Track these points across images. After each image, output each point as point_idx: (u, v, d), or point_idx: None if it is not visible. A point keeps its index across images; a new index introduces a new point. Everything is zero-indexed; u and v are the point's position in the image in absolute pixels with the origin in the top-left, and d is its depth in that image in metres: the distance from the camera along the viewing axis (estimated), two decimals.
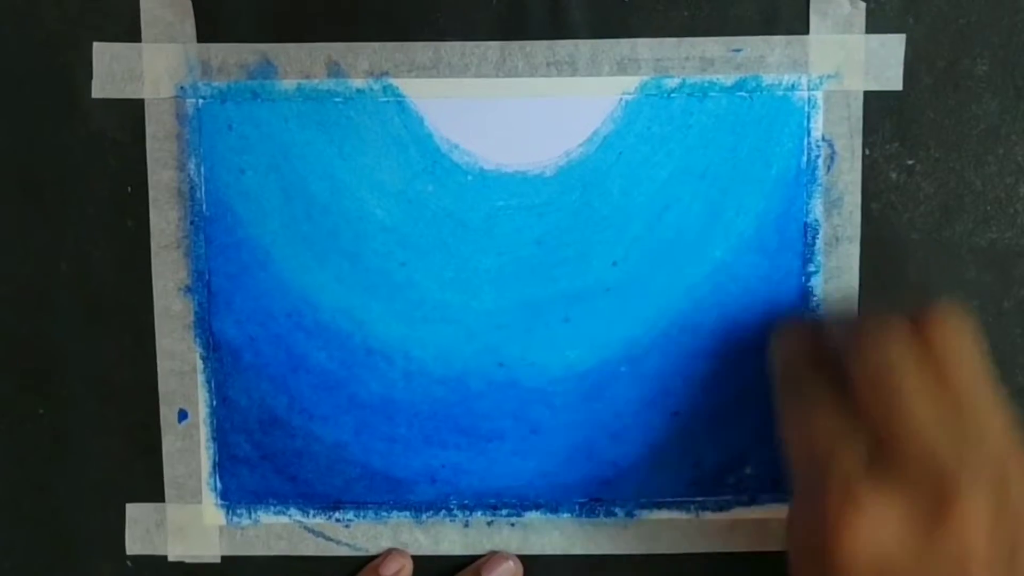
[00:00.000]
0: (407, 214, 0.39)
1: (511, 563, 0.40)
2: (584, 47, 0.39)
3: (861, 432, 0.32)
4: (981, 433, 0.32)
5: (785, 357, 0.37)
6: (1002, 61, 0.39)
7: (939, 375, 0.33)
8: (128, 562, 0.41)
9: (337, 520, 0.41)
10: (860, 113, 0.39)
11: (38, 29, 0.39)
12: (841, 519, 0.31)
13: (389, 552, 0.41)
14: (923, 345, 0.33)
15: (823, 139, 0.39)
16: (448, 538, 0.41)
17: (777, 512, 0.41)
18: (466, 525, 0.41)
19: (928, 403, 0.32)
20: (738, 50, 0.39)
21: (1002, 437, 0.32)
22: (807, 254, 0.40)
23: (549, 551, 0.41)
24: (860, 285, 0.40)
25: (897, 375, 0.32)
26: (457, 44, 0.39)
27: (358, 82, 0.39)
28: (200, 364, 0.40)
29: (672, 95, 0.39)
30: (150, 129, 0.39)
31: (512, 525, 0.41)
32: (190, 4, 0.39)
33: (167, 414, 0.40)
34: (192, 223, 0.39)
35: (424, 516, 0.41)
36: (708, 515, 0.41)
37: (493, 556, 0.41)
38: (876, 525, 0.31)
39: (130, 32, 0.39)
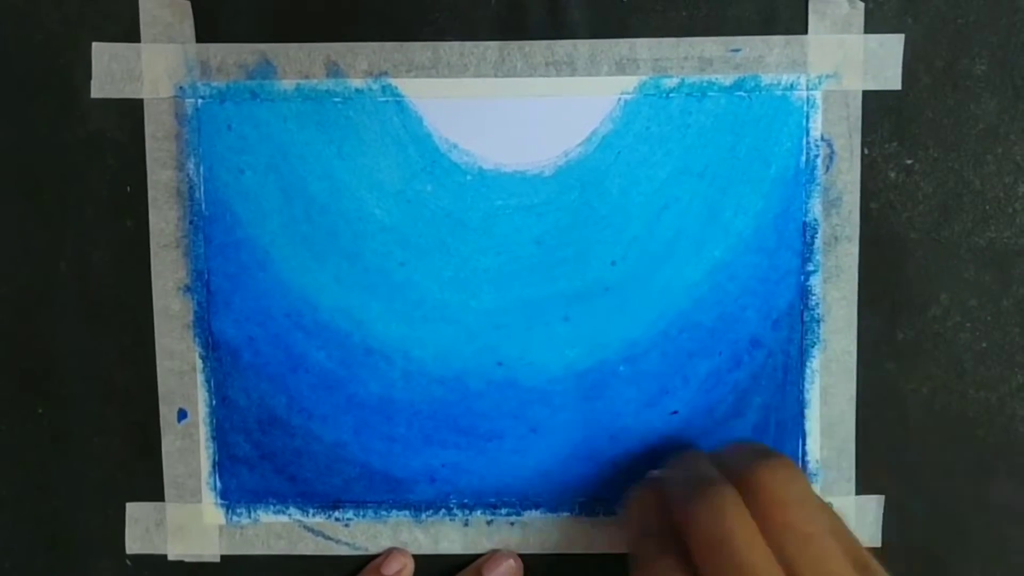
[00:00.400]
0: (406, 214, 0.39)
1: (512, 562, 0.40)
2: (583, 47, 0.39)
3: None
4: None
5: (635, 524, 0.37)
6: (1001, 61, 0.39)
7: (773, 537, 0.32)
8: (128, 561, 0.41)
9: (337, 519, 0.41)
10: (859, 113, 0.39)
11: (38, 29, 0.39)
12: None
13: (390, 551, 0.41)
14: (754, 504, 0.33)
15: (822, 139, 0.39)
16: (448, 537, 0.41)
17: None
18: (466, 524, 0.41)
19: (765, 566, 0.32)
20: (737, 50, 0.39)
21: None
22: (806, 253, 0.40)
23: (549, 550, 0.41)
24: (859, 284, 0.40)
25: (729, 545, 0.32)
26: (456, 44, 0.39)
27: (357, 82, 0.39)
28: (199, 364, 0.40)
29: (671, 95, 0.39)
30: (149, 129, 0.39)
31: (512, 524, 0.41)
32: (189, 4, 0.39)
33: (167, 414, 0.40)
34: (191, 223, 0.40)
35: (424, 515, 0.41)
36: None
37: (494, 555, 0.41)
38: None
39: (129, 32, 0.39)
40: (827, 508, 0.35)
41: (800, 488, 0.33)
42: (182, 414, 0.40)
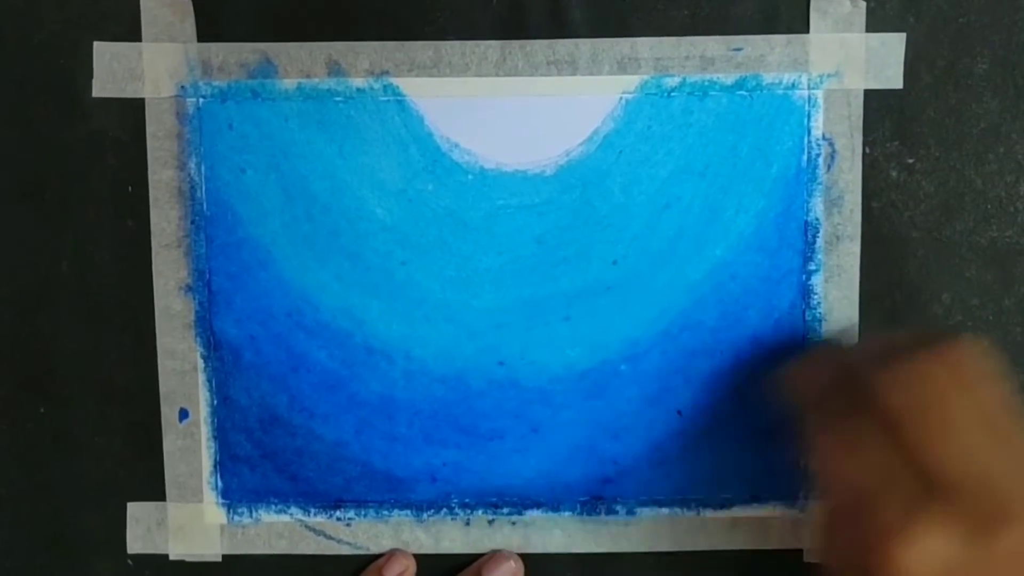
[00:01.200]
0: (407, 213, 0.39)
1: (512, 563, 0.40)
2: (584, 46, 0.39)
3: (910, 465, 0.32)
4: None
5: (812, 390, 0.37)
6: (1002, 60, 0.39)
7: (978, 403, 0.33)
8: (129, 561, 0.41)
9: (338, 519, 0.41)
10: (860, 112, 0.39)
11: (39, 29, 0.39)
12: (901, 550, 0.31)
13: (392, 553, 0.41)
14: (959, 375, 0.33)
15: (823, 138, 0.39)
16: (449, 536, 0.41)
17: (778, 511, 0.41)
18: (467, 524, 0.41)
19: (975, 432, 0.32)
20: (738, 49, 0.39)
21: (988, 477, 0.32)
22: (807, 252, 0.40)
23: (550, 549, 0.41)
24: (860, 283, 0.40)
25: (943, 406, 0.32)
26: (457, 43, 0.39)
27: (358, 81, 0.39)
28: (201, 363, 0.40)
29: (672, 94, 0.39)
30: (150, 128, 0.39)
31: (513, 524, 0.41)
32: (190, 4, 0.39)
33: (168, 413, 0.40)
34: (193, 222, 0.39)
35: (425, 515, 0.41)
36: (709, 513, 0.41)
37: (494, 556, 0.41)
38: (936, 557, 0.31)
39: (130, 32, 0.39)
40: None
41: (998, 366, 0.34)
42: (183, 414, 0.40)
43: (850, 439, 0.34)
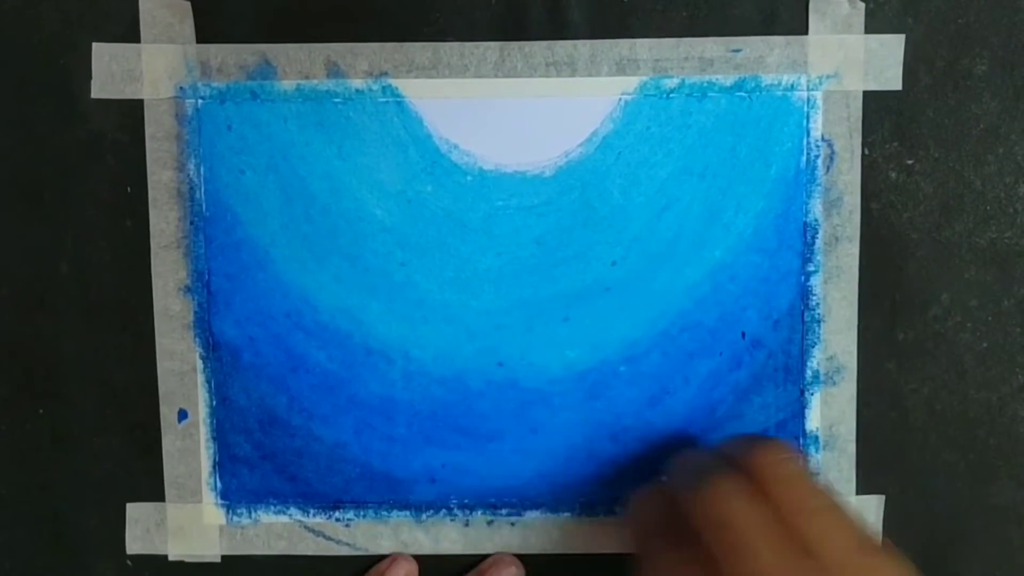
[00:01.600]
0: (406, 214, 0.39)
1: (514, 568, 0.40)
2: (583, 47, 0.39)
3: None
4: (830, 565, 0.32)
5: (640, 522, 0.37)
6: (1001, 61, 0.39)
7: (778, 514, 0.33)
8: (128, 561, 0.41)
9: (337, 520, 0.41)
10: (859, 113, 0.39)
11: (38, 30, 0.39)
12: None
13: (395, 558, 0.41)
14: (757, 488, 0.33)
15: (822, 139, 0.39)
16: (448, 537, 0.41)
17: None
18: (466, 524, 0.41)
19: (772, 549, 0.32)
20: (737, 50, 0.39)
21: (854, 557, 0.32)
22: (807, 254, 0.40)
23: (549, 550, 0.41)
24: (860, 284, 0.40)
25: (735, 526, 0.32)
26: (456, 44, 0.39)
27: (357, 82, 0.39)
28: (200, 364, 0.40)
29: (671, 95, 0.39)
30: (149, 129, 0.39)
31: (512, 524, 0.41)
32: (189, 5, 0.39)
33: (167, 414, 0.40)
34: (192, 223, 0.40)
35: (424, 516, 0.41)
36: None
37: (496, 560, 0.41)
38: None
39: (129, 33, 0.39)
40: (826, 487, 0.35)
41: (798, 466, 0.34)
42: (182, 414, 0.40)
43: (663, 569, 0.34)
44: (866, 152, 0.39)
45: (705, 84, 0.39)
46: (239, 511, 0.41)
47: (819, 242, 0.40)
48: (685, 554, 0.33)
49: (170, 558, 0.41)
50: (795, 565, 0.32)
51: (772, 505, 0.33)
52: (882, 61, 0.39)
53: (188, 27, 0.39)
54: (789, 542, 0.32)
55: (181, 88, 0.39)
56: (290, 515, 0.41)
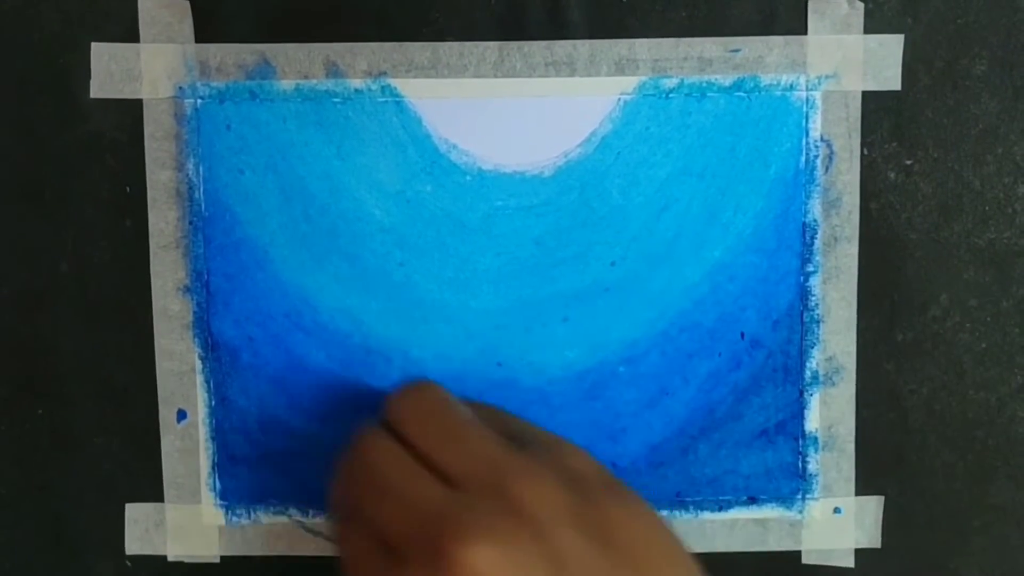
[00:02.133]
0: (405, 214, 0.39)
1: None
2: (582, 47, 0.39)
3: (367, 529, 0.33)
4: (471, 490, 0.32)
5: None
6: (1000, 61, 0.39)
7: (415, 452, 0.33)
8: (127, 562, 0.41)
9: None
10: (858, 113, 0.39)
11: (38, 29, 0.39)
12: None
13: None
14: (400, 432, 0.34)
15: (821, 139, 0.39)
16: None
17: (776, 513, 0.41)
18: None
19: (411, 482, 0.32)
20: (736, 50, 0.39)
21: (490, 466, 0.33)
22: (806, 254, 0.40)
23: None
24: (859, 284, 0.40)
25: (374, 471, 0.33)
26: (455, 44, 0.39)
27: (356, 82, 0.39)
28: (199, 364, 0.40)
29: (670, 95, 0.39)
30: (148, 129, 0.39)
31: None
32: (188, 4, 0.39)
33: (166, 414, 0.40)
34: (191, 223, 0.40)
35: None
36: (707, 515, 0.41)
37: None
38: None
39: (128, 32, 0.39)
40: (468, 405, 0.36)
41: (431, 397, 0.35)
42: (181, 415, 0.40)
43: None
44: (865, 152, 0.39)
45: (704, 84, 0.39)
46: (238, 511, 0.41)
47: (818, 242, 0.40)
48: (365, 530, 0.33)
49: (169, 558, 0.41)
50: (435, 494, 0.32)
51: (412, 444, 0.33)
52: (881, 61, 0.39)
53: (187, 27, 0.39)
54: (426, 474, 0.32)
55: (180, 88, 0.39)
56: (290, 515, 0.41)
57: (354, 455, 0.34)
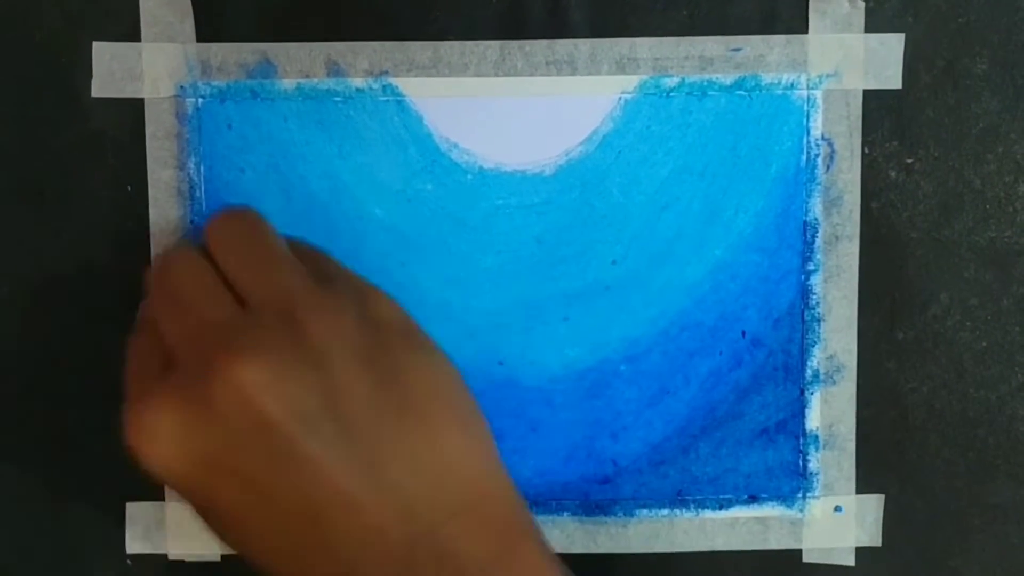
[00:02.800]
0: (406, 213, 0.39)
1: None
2: (583, 46, 0.39)
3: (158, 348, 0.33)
4: (260, 314, 0.32)
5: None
6: (1001, 60, 0.39)
7: (228, 271, 0.33)
8: (128, 561, 0.41)
9: None
10: (859, 112, 0.39)
11: (38, 29, 0.39)
12: (138, 427, 0.32)
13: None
14: (214, 257, 0.34)
15: (822, 138, 0.39)
16: None
17: (777, 511, 0.41)
18: None
19: (210, 301, 0.32)
20: (737, 49, 0.39)
21: (286, 294, 0.32)
22: (807, 253, 0.40)
23: None
24: (859, 283, 0.40)
25: (177, 285, 0.33)
26: (456, 43, 0.39)
27: (358, 81, 0.39)
28: None
29: (671, 94, 0.39)
30: (150, 128, 0.39)
31: None
32: (189, 4, 0.39)
33: None
34: (192, 222, 0.39)
35: None
36: (708, 514, 0.41)
37: None
38: (164, 427, 0.32)
39: (130, 32, 0.39)
40: (288, 241, 0.35)
41: (247, 223, 0.35)
42: None
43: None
44: (866, 151, 0.39)
45: (705, 83, 0.39)
46: None
47: (819, 241, 0.40)
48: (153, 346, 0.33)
49: (170, 557, 0.41)
50: (225, 312, 0.32)
51: (218, 266, 0.33)
52: (882, 60, 0.39)
53: (188, 26, 0.39)
54: (224, 295, 0.32)
55: (181, 87, 0.39)
56: None
57: (162, 269, 0.34)
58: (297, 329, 0.31)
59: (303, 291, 0.33)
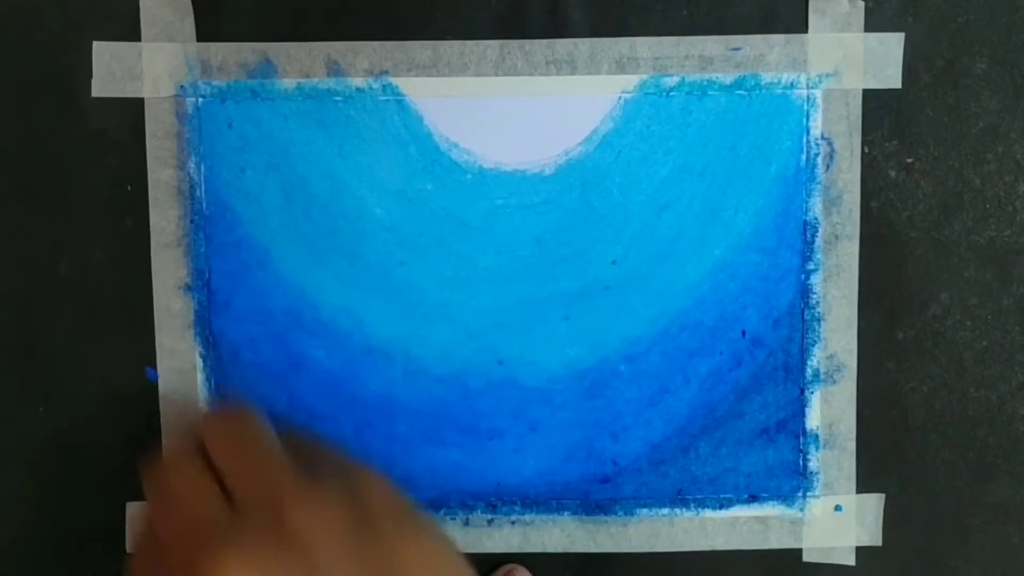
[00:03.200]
0: (406, 213, 0.39)
1: None
2: (583, 46, 0.39)
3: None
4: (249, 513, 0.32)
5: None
6: (1001, 59, 0.39)
7: (217, 473, 0.33)
8: (128, 562, 0.41)
9: None
10: (859, 111, 0.39)
11: (38, 29, 0.39)
12: None
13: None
14: (202, 453, 0.34)
15: (822, 137, 0.39)
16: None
17: (777, 511, 0.41)
18: (466, 523, 0.41)
19: (201, 501, 0.32)
20: (737, 49, 0.39)
21: (272, 491, 0.32)
22: (806, 252, 0.40)
23: (549, 549, 0.41)
24: (859, 283, 0.40)
25: (170, 487, 0.33)
26: (456, 43, 0.39)
27: (358, 81, 0.39)
28: (200, 363, 0.40)
29: (671, 94, 0.39)
30: (150, 128, 0.39)
31: (512, 523, 0.41)
32: (190, 3, 0.39)
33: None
34: (192, 222, 0.40)
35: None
36: (708, 513, 0.41)
37: (509, 572, 0.41)
38: None
39: (130, 31, 0.39)
40: (285, 436, 0.35)
41: (240, 422, 0.34)
42: None
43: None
44: (866, 150, 0.39)
45: (705, 82, 0.39)
46: None
47: (819, 240, 0.40)
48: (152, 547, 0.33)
49: None
50: (214, 512, 0.32)
51: (212, 464, 0.33)
52: (882, 59, 0.39)
53: (188, 26, 0.39)
54: (216, 495, 0.32)
55: (182, 87, 0.39)
56: None
57: (159, 471, 0.34)
58: (284, 526, 0.31)
59: (289, 485, 0.32)
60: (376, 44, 0.39)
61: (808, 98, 0.39)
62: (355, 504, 0.33)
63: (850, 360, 0.40)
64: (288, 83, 0.39)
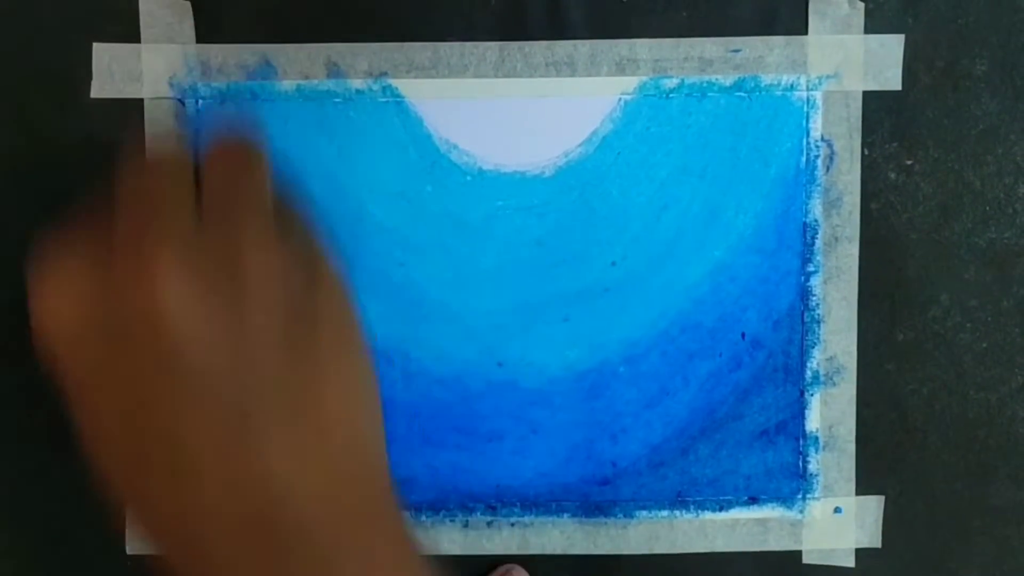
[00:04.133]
0: (406, 214, 0.39)
1: None
2: (583, 47, 0.39)
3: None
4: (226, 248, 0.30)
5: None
6: (1001, 61, 0.39)
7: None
8: (128, 562, 0.41)
9: None
10: (859, 113, 0.39)
11: (38, 29, 0.39)
12: (52, 276, 0.31)
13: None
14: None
15: (822, 139, 0.39)
16: (448, 538, 0.41)
17: (776, 512, 0.41)
18: (466, 525, 0.41)
19: (172, 196, 0.30)
20: (737, 50, 0.39)
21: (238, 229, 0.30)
22: (806, 254, 0.40)
23: (549, 551, 0.41)
24: (859, 284, 0.40)
25: (153, 198, 0.30)
26: (456, 44, 0.39)
27: (357, 83, 0.39)
28: None
29: (671, 95, 0.39)
30: (150, 129, 0.39)
31: (512, 525, 0.41)
32: (189, 5, 0.39)
33: None
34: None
35: (424, 516, 0.41)
36: (708, 515, 0.41)
37: (507, 572, 0.41)
38: (76, 287, 0.31)
39: (129, 33, 0.39)
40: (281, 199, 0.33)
41: (252, 162, 0.32)
42: None
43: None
44: (866, 152, 0.39)
45: (705, 84, 0.39)
46: None
47: (819, 242, 0.40)
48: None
49: None
50: (183, 229, 0.30)
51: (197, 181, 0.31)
52: (882, 61, 0.39)
53: (188, 27, 0.39)
54: (191, 211, 0.30)
55: (181, 88, 0.39)
56: None
57: (147, 164, 0.32)
58: (235, 264, 0.30)
59: (260, 236, 0.31)
60: (376, 46, 0.39)
61: (808, 100, 0.39)
62: (310, 293, 0.31)
63: (850, 362, 0.40)
64: (288, 85, 0.39)
